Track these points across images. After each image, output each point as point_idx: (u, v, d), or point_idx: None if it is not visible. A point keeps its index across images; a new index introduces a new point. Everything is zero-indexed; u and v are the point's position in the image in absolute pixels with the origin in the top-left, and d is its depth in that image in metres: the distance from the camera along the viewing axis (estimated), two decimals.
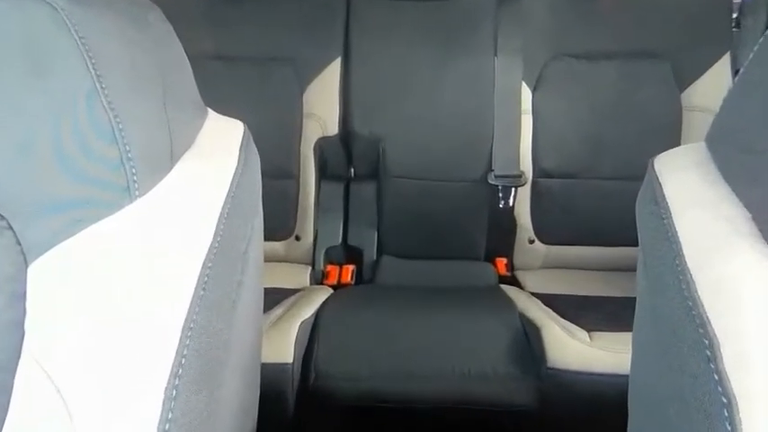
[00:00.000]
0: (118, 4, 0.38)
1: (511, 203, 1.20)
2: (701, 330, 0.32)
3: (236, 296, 0.42)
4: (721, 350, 0.31)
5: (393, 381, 0.94)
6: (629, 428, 0.46)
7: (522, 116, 1.19)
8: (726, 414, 0.29)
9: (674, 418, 0.34)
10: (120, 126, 0.34)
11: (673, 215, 0.39)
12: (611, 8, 1.20)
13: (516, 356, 0.95)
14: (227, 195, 0.42)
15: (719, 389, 0.30)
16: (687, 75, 1.17)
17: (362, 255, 1.26)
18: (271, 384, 0.85)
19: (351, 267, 1.25)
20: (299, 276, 1.21)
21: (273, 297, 1.06)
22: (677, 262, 0.36)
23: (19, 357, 0.31)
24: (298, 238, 1.25)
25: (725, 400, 0.30)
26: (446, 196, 1.22)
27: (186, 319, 0.34)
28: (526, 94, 1.20)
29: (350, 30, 1.23)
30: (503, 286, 1.17)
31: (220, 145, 0.47)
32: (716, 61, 1.16)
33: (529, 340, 0.96)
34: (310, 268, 1.24)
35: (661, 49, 1.17)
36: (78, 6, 0.34)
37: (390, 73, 1.21)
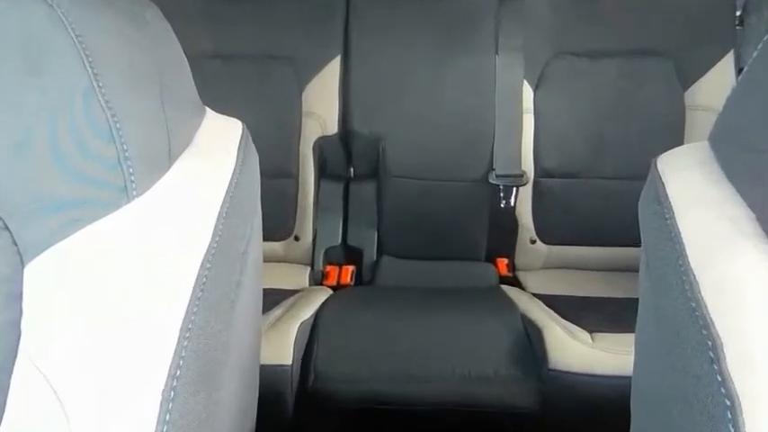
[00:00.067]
0: (115, 3, 0.38)
1: (512, 203, 1.20)
2: (704, 331, 0.32)
3: (235, 297, 0.42)
4: (724, 351, 0.31)
5: (393, 382, 0.94)
6: (631, 430, 0.46)
7: (524, 115, 1.19)
8: (729, 416, 0.29)
9: (677, 419, 0.34)
10: (118, 125, 0.34)
11: (676, 215, 0.39)
12: (614, 6, 1.20)
13: (517, 358, 0.95)
14: (226, 195, 0.42)
15: (723, 390, 0.30)
16: (690, 73, 1.17)
17: (362, 255, 1.26)
18: (269, 386, 0.85)
19: (350, 268, 1.25)
20: (298, 277, 1.21)
21: (272, 298, 1.06)
22: (680, 262, 0.36)
23: (15, 358, 0.31)
24: (297, 239, 1.25)
25: (728, 402, 0.30)
26: (447, 196, 1.22)
27: (184, 320, 0.34)
28: (527, 92, 1.20)
29: (349, 28, 1.22)
30: (504, 287, 1.17)
31: (219, 144, 0.47)
32: (719, 59, 1.16)
33: (530, 341, 0.96)
34: (309, 269, 1.24)
35: (664, 47, 1.17)
36: (75, 4, 0.34)
37: (390, 71, 1.21)
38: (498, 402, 0.93)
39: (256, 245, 0.50)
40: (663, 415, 0.37)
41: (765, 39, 0.37)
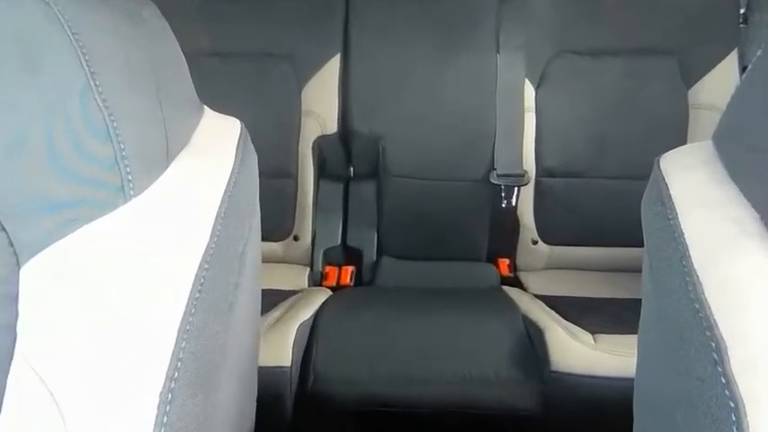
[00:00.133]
0: (112, 0, 0.38)
1: (513, 203, 1.20)
2: (707, 333, 0.32)
3: (234, 298, 0.42)
4: (728, 353, 0.31)
5: (393, 384, 0.94)
6: None
7: (525, 114, 1.19)
8: (733, 418, 0.29)
9: (681, 422, 0.34)
10: (115, 124, 0.34)
11: (679, 215, 0.39)
12: (616, 4, 1.20)
13: (519, 359, 0.95)
14: (224, 195, 0.42)
15: (727, 392, 0.30)
16: (694, 72, 1.17)
17: (362, 256, 1.26)
18: (268, 388, 0.85)
19: (350, 268, 1.25)
20: (297, 278, 1.21)
21: (271, 299, 1.06)
22: (683, 263, 0.36)
23: (11, 360, 0.31)
24: (296, 239, 1.25)
25: (732, 404, 0.30)
26: (447, 196, 1.22)
27: (182, 321, 0.33)
28: (529, 91, 1.20)
29: (349, 26, 1.22)
30: (505, 288, 1.17)
31: (217, 143, 0.47)
32: (723, 58, 1.16)
33: (532, 343, 0.96)
34: (309, 269, 1.24)
35: (667, 45, 1.17)
36: (72, 2, 0.34)
37: (391, 70, 1.21)
38: (499, 404, 0.93)
39: (255, 245, 0.50)
40: (666, 417, 0.37)
41: None
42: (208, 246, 0.38)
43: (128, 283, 0.33)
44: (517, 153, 1.19)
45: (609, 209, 1.19)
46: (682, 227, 0.38)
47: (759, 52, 0.38)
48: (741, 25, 1.18)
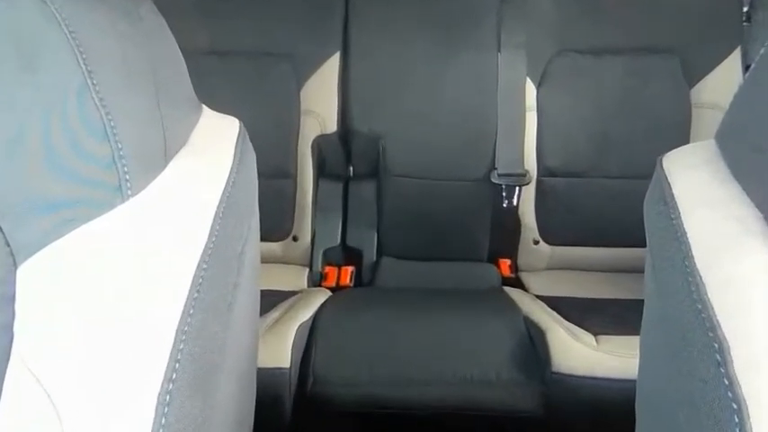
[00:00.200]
0: None
1: (515, 203, 1.20)
2: (710, 334, 0.32)
3: (232, 298, 0.42)
4: (731, 354, 0.31)
5: (393, 386, 0.94)
6: None
7: (527, 113, 1.19)
8: (736, 419, 0.29)
9: (683, 423, 0.34)
10: (112, 123, 0.34)
11: (682, 215, 0.39)
12: (618, 2, 1.20)
13: (520, 361, 0.95)
14: (223, 194, 0.42)
15: (730, 394, 0.30)
16: (696, 70, 1.17)
17: (362, 256, 1.26)
18: (267, 389, 0.85)
19: (350, 269, 1.25)
20: (296, 278, 1.21)
21: (270, 299, 1.06)
22: (686, 263, 0.36)
23: (8, 360, 0.31)
24: (295, 239, 1.25)
25: (735, 406, 0.30)
26: (448, 196, 1.22)
27: (180, 322, 0.33)
28: (530, 90, 1.20)
29: (349, 24, 1.22)
30: (506, 288, 1.17)
31: (215, 143, 0.47)
32: (726, 56, 1.16)
33: (533, 344, 0.96)
34: (308, 270, 1.24)
35: (669, 44, 1.17)
36: (69, 0, 0.34)
37: (391, 69, 1.21)
38: (501, 406, 0.93)
39: (254, 245, 0.50)
40: (668, 419, 0.37)
41: None
42: (206, 246, 0.38)
43: (125, 284, 0.33)
44: (518, 152, 1.19)
45: (611, 209, 1.19)
46: (684, 226, 0.38)
47: (762, 51, 0.38)
48: (744, 23, 1.18)
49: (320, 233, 1.26)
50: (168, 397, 0.31)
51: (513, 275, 1.26)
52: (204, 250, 0.37)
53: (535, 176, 1.21)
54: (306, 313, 1.00)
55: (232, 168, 0.45)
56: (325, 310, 1.03)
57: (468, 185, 1.22)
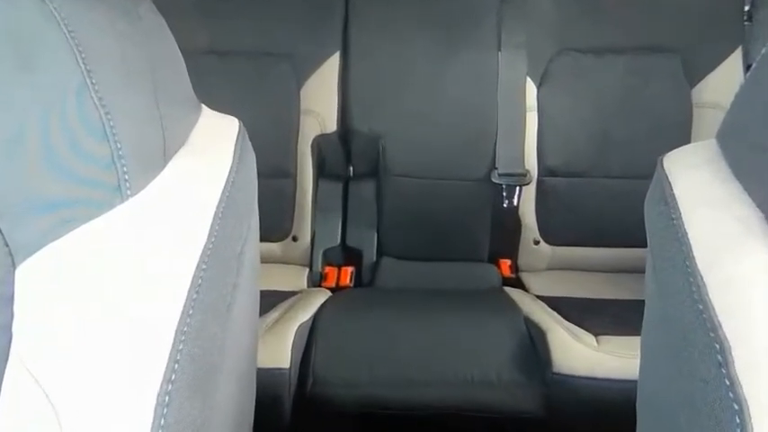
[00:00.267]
0: None
1: (515, 203, 1.20)
2: (711, 334, 0.32)
3: (232, 299, 0.42)
4: (732, 354, 0.31)
5: (393, 387, 0.94)
6: None
7: (527, 113, 1.19)
8: (737, 420, 0.29)
9: (684, 424, 0.34)
10: (111, 123, 0.34)
11: (682, 215, 0.39)
12: (618, 1, 1.20)
13: (521, 361, 0.95)
14: (222, 194, 0.42)
15: (731, 395, 0.30)
16: (697, 70, 1.17)
17: (362, 256, 1.26)
18: (267, 390, 0.85)
19: (350, 269, 1.25)
20: (296, 278, 1.21)
21: (270, 300, 1.06)
22: (687, 263, 0.36)
23: (6, 361, 0.31)
24: (295, 239, 1.25)
25: (736, 407, 0.30)
26: (448, 195, 1.22)
27: (179, 323, 0.33)
28: (531, 89, 1.20)
29: (349, 23, 1.22)
30: (507, 289, 1.17)
31: (215, 142, 0.47)
32: (727, 56, 1.16)
33: (534, 344, 0.96)
34: (308, 270, 1.24)
35: (670, 43, 1.17)
36: None
37: (391, 68, 1.21)
38: (501, 407, 0.93)
39: (253, 245, 0.50)
40: (669, 420, 0.37)
41: None
42: (205, 246, 0.38)
43: (124, 284, 0.33)
44: (519, 152, 1.19)
45: (611, 209, 1.19)
46: (685, 226, 0.38)
47: (764, 50, 0.38)
48: (746, 23, 1.18)
49: (320, 233, 1.26)
50: (167, 398, 0.31)
51: (513, 276, 1.26)
52: (203, 250, 0.37)
53: (536, 176, 1.21)
54: (305, 314, 1.00)
55: (231, 168, 0.45)
56: (324, 311, 1.03)
57: (468, 185, 1.22)
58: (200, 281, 0.36)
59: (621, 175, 1.18)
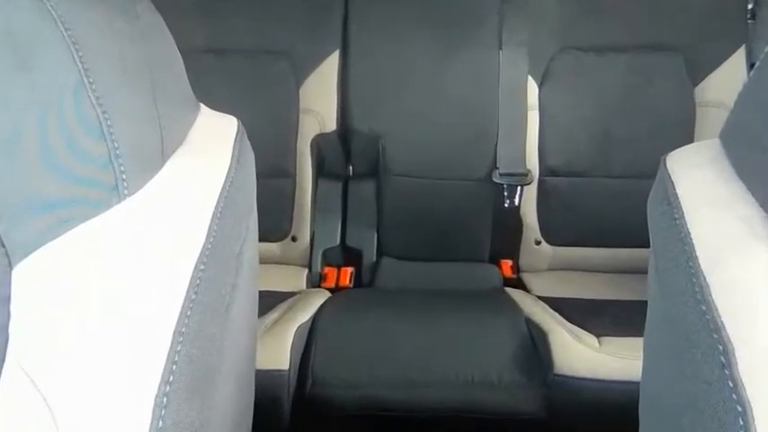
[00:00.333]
0: None
1: (516, 203, 1.20)
2: (714, 335, 0.32)
3: (230, 299, 0.42)
4: (736, 356, 0.31)
5: (393, 388, 0.94)
6: None
7: (529, 112, 1.19)
8: (741, 422, 0.29)
9: (687, 427, 0.34)
10: (109, 122, 0.34)
11: (685, 215, 0.39)
12: None
13: (522, 362, 0.95)
14: (221, 194, 0.42)
15: (734, 396, 0.30)
16: (700, 68, 1.17)
17: (361, 256, 1.26)
18: (266, 392, 0.85)
19: (349, 269, 1.25)
20: (295, 279, 1.21)
21: (269, 300, 1.06)
22: (690, 264, 0.36)
23: (3, 362, 0.31)
24: (294, 239, 1.25)
25: (740, 409, 0.29)
26: (449, 195, 1.22)
27: (178, 323, 0.33)
28: (532, 88, 1.20)
29: (348, 22, 1.22)
30: (508, 289, 1.17)
31: (213, 142, 0.47)
32: (730, 54, 1.16)
33: (535, 346, 0.96)
34: (307, 270, 1.24)
35: (673, 41, 1.17)
36: None
37: (391, 67, 1.21)
38: (502, 408, 0.93)
39: (252, 246, 0.50)
40: (672, 422, 0.37)
41: None
42: (204, 246, 0.38)
43: (122, 285, 0.33)
44: (520, 151, 1.19)
45: (614, 208, 1.19)
46: (688, 227, 0.38)
47: (767, 48, 0.38)
48: (749, 21, 1.17)
49: (319, 233, 1.26)
50: (165, 399, 0.31)
51: (514, 276, 1.26)
52: (202, 251, 0.37)
53: (537, 176, 1.21)
54: (305, 314, 1.00)
55: (230, 168, 0.45)
56: (324, 312, 1.03)
57: (469, 185, 1.22)
58: (198, 281, 0.36)
59: (624, 175, 1.18)
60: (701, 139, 0.50)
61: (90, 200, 0.34)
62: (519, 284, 1.23)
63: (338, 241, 1.26)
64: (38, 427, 0.30)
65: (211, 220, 0.40)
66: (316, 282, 1.23)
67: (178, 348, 0.33)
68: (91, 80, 0.34)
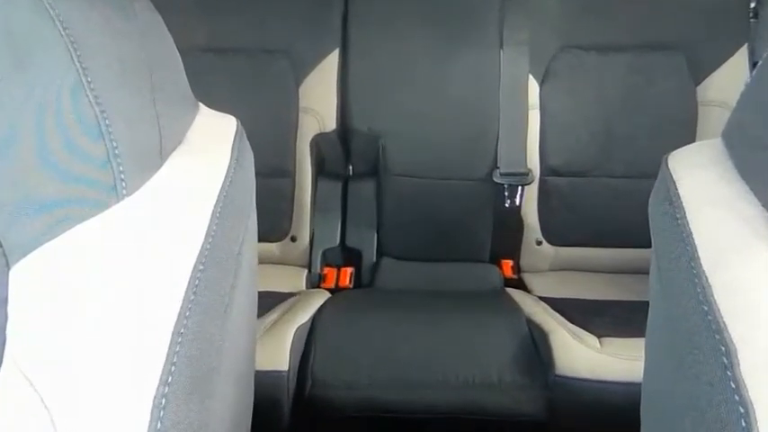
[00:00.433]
0: None
1: (517, 203, 1.20)
2: (717, 336, 0.32)
3: (230, 300, 0.42)
4: (738, 357, 0.31)
5: (393, 389, 0.94)
6: None
7: (529, 111, 1.19)
8: (743, 424, 0.29)
9: (690, 428, 0.34)
10: (107, 122, 0.34)
11: (687, 215, 0.39)
12: None
13: (523, 363, 0.95)
14: (220, 194, 0.42)
15: (737, 397, 0.30)
16: (702, 68, 1.17)
17: (361, 257, 1.26)
18: (265, 393, 0.85)
19: (349, 270, 1.25)
20: (294, 279, 1.21)
21: (268, 301, 1.06)
22: (692, 264, 0.36)
23: (0, 363, 0.31)
24: (294, 240, 1.25)
25: (742, 410, 0.29)
26: (449, 195, 1.22)
27: (176, 324, 0.33)
28: (533, 87, 1.20)
29: (348, 20, 1.22)
30: (509, 290, 1.17)
31: (212, 141, 0.46)
32: (733, 53, 1.16)
33: (536, 346, 0.96)
34: (307, 271, 1.24)
35: (675, 40, 1.17)
36: None
37: (391, 66, 1.21)
38: (503, 410, 0.93)
39: (251, 246, 0.50)
40: (674, 423, 0.37)
41: None
42: (203, 246, 0.38)
43: (120, 285, 0.33)
44: (521, 151, 1.19)
45: (615, 208, 1.19)
46: (690, 227, 0.38)
47: None
48: (751, 20, 1.17)
49: (319, 233, 1.26)
50: (164, 400, 0.31)
51: (515, 276, 1.26)
52: (201, 251, 0.37)
53: (538, 176, 1.21)
54: (304, 315, 1.00)
55: (229, 167, 0.45)
56: (324, 312, 1.03)
57: (469, 185, 1.22)
58: (197, 282, 0.36)
59: (625, 175, 1.18)
60: (703, 138, 0.50)
61: (88, 200, 0.34)
62: (520, 285, 1.23)
63: (338, 241, 1.26)
64: (36, 429, 0.30)
65: (210, 220, 0.40)
66: (315, 282, 1.23)
67: (177, 349, 0.33)
68: (89, 79, 0.34)
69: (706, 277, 0.35)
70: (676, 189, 0.41)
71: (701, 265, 0.36)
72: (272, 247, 1.25)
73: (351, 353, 0.97)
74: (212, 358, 0.37)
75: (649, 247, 0.45)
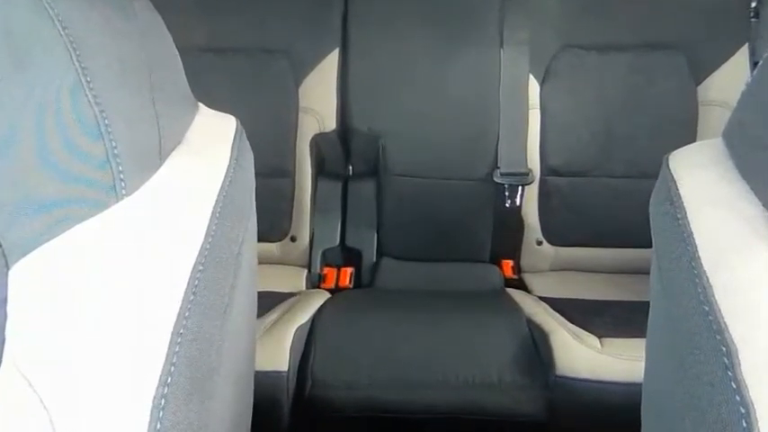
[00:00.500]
0: None
1: (517, 203, 1.20)
2: (718, 336, 0.32)
3: (229, 300, 0.42)
4: (739, 357, 0.31)
5: (393, 389, 0.94)
6: None
7: (530, 111, 1.19)
8: (744, 424, 0.29)
9: (690, 428, 0.34)
10: (107, 122, 0.34)
11: (688, 215, 0.39)
12: None
13: (523, 364, 0.95)
14: (219, 194, 0.42)
15: (737, 398, 0.30)
16: (703, 67, 1.17)
17: (361, 257, 1.26)
18: (265, 393, 0.85)
19: (349, 270, 1.25)
20: (294, 279, 1.21)
21: (268, 301, 1.06)
22: (693, 264, 0.36)
23: (0, 364, 0.31)
24: (293, 240, 1.25)
25: (743, 410, 0.29)
26: (449, 195, 1.22)
27: (176, 324, 0.33)
28: (534, 87, 1.20)
29: (348, 20, 1.22)
30: (509, 290, 1.17)
31: (212, 141, 0.46)
32: (733, 53, 1.16)
33: (536, 347, 0.96)
34: (306, 271, 1.24)
35: (675, 40, 1.17)
36: None
37: (391, 66, 1.21)
38: (503, 410, 0.93)
39: (251, 246, 0.50)
40: (675, 423, 0.37)
41: None
42: (202, 246, 0.38)
43: (120, 286, 0.33)
44: (521, 151, 1.19)
45: (616, 208, 1.19)
46: (691, 227, 0.38)
47: None
48: (752, 19, 1.17)
49: (319, 233, 1.26)
50: (163, 401, 0.31)
51: (515, 277, 1.26)
52: (200, 251, 0.37)
53: (538, 176, 1.21)
54: (304, 315, 1.00)
55: (229, 167, 0.45)
56: (323, 312, 1.03)
57: (469, 185, 1.22)
58: (197, 282, 0.36)
59: (625, 175, 1.18)
60: (704, 138, 0.50)
61: (87, 200, 0.34)
62: (520, 285, 1.23)
63: (338, 241, 1.26)
64: (35, 429, 0.30)
65: (210, 220, 0.40)
66: (315, 282, 1.23)
67: (176, 349, 0.33)
68: (88, 79, 0.34)
69: (707, 277, 0.35)
70: (677, 189, 0.41)
71: (701, 265, 0.36)
72: (272, 247, 1.25)
73: (351, 353, 0.97)
74: (212, 358, 0.37)
75: (650, 247, 0.45)
